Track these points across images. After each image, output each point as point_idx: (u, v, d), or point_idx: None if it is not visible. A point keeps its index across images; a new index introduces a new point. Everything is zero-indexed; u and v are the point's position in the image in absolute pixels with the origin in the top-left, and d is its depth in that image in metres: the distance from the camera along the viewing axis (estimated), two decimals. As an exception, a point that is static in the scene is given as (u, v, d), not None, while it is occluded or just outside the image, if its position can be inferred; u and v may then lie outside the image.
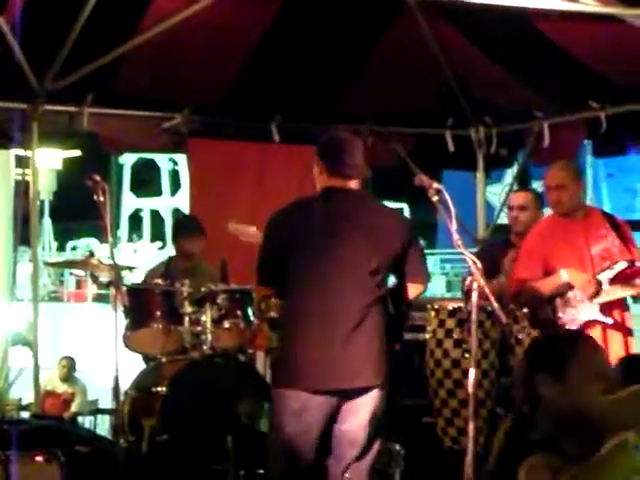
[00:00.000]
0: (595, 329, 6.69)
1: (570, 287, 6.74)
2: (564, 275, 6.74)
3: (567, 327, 6.72)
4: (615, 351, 6.66)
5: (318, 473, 5.53)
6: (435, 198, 5.80)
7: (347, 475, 5.54)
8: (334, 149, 5.72)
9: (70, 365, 12.04)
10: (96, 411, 10.76)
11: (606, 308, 6.73)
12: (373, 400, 5.54)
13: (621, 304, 6.86)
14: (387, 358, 5.62)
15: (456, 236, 5.89)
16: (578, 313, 6.73)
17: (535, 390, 4.11)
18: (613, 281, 6.68)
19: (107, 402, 8.48)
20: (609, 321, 6.72)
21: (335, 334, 5.48)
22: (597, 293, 6.66)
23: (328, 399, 5.47)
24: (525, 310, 6.97)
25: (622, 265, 6.65)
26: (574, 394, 4.00)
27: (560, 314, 6.80)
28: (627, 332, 6.83)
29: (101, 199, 6.12)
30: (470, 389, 6.09)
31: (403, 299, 5.84)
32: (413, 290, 5.83)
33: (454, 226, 5.83)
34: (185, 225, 8.72)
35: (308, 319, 5.49)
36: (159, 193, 29.90)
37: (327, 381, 5.46)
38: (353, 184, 5.66)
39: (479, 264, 6.05)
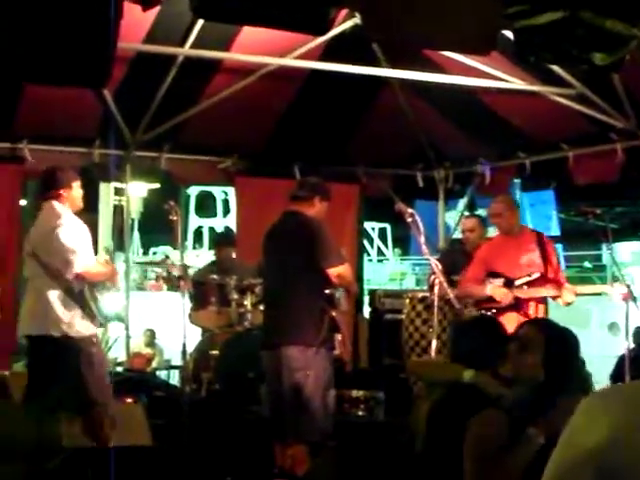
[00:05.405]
0: (512, 314, 6.35)
1: (491, 298, 6.47)
2: (488, 290, 6.47)
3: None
4: None
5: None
6: (409, 220, 5.79)
7: None
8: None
9: (151, 334, 12.01)
10: (169, 367, 10.67)
11: (524, 302, 6.48)
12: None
13: (538, 299, 6.56)
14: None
15: (424, 247, 5.85)
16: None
17: None
18: (529, 285, 6.50)
19: (177, 360, 8.41)
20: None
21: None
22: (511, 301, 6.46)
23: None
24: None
25: (536, 275, 6.51)
26: None
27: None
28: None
29: (174, 218, 6.10)
30: (433, 354, 6.04)
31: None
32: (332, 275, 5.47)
33: (422, 239, 5.79)
34: (221, 239, 8.62)
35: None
36: (215, 215, 29.82)
37: None
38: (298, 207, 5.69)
39: (440, 266, 6.01)
